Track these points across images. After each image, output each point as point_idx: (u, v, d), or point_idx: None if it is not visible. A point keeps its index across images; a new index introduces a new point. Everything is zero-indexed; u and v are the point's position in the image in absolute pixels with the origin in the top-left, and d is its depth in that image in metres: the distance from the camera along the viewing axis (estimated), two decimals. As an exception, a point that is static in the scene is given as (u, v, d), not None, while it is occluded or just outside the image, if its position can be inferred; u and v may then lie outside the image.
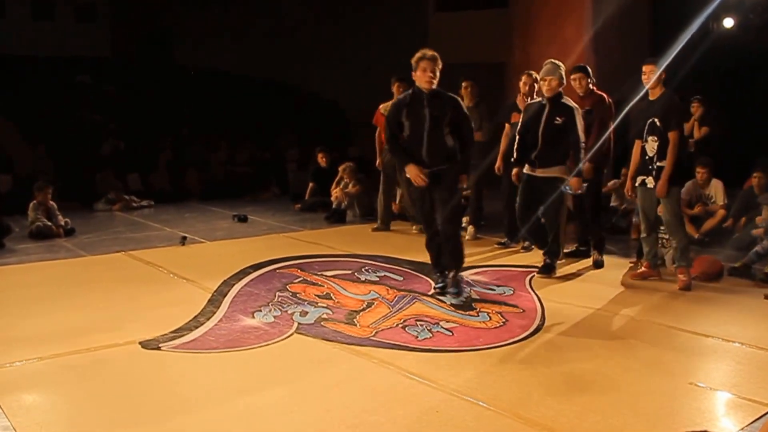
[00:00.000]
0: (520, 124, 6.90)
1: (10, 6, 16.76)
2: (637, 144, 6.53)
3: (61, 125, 13.20)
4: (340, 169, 10.82)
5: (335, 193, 10.46)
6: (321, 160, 11.50)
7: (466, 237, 8.61)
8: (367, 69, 15.25)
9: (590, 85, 7.21)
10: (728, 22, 11.31)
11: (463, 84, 8.59)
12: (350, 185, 10.42)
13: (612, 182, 9.40)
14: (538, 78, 6.82)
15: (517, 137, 6.90)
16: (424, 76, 5.80)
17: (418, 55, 5.88)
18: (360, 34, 15.51)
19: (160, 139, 14.16)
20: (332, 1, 15.97)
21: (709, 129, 10.14)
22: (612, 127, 7.17)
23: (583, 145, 6.55)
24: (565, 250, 7.48)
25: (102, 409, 3.82)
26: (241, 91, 16.40)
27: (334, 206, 10.37)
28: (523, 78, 7.93)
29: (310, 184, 11.46)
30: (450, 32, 14.18)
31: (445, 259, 6.16)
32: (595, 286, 6.44)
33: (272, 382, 4.22)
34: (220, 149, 14.42)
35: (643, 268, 6.74)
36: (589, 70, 7.29)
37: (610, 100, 7.25)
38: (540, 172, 6.65)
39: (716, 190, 8.58)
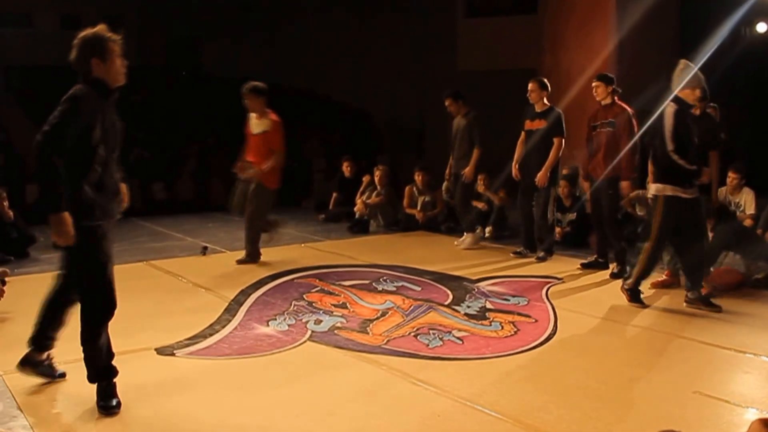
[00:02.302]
0: (677, 136, 5.77)
1: (39, 16, 17.05)
2: None
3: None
4: (365, 179, 10.86)
5: (359, 203, 10.49)
6: (346, 169, 11.52)
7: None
8: (395, 76, 15.29)
9: (611, 96, 7.17)
10: (761, 27, 11.14)
11: (446, 102, 8.64)
12: (373, 195, 10.45)
13: (634, 193, 9.28)
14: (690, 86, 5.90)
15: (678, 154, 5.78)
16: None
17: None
18: (388, 41, 15.52)
19: (186, 149, 14.30)
20: (360, 7, 16.01)
21: (727, 135, 9.89)
22: (636, 139, 7.13)
23: None
24: (583, 261, 7.46)
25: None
26: (268, 100, 16.47)
27: (357, 216, 10.40)
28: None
29: (334, 194, 11.50)
30: (479, 38, 14.17)
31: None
32: (612, 297, 6.37)
33: (280, 386, 4.28)
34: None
35: (664, 276, 6.69)
36: (612, 79, 7.23)
37: (632, 111, 7.17)
38: (692, 193, 5.89)
39: (746, 198, 8.37)
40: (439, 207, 10.14)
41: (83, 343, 3.92)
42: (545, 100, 7.94)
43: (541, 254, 8.00)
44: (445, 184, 10.55)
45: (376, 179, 10.59)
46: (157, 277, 7.26)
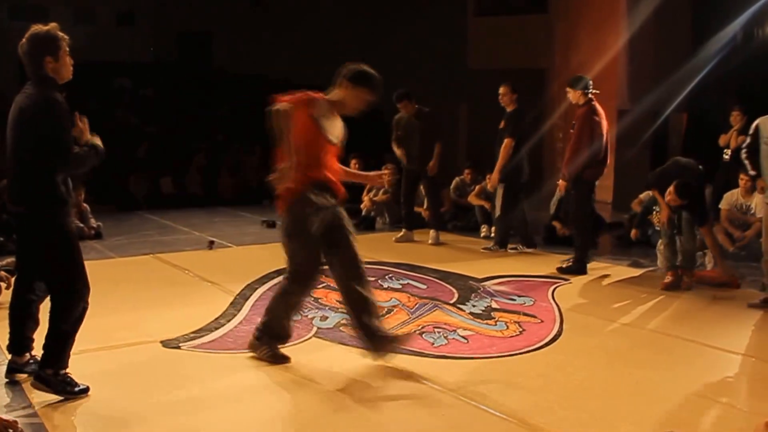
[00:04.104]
0: None
1: (51, 12, 17.13)
2: None
3: (97, 128, 13.39)
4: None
5: (366, 200, 10.48)
6: (353, 166, 11.48)
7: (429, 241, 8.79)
8: (404, 74, 15.24)
9: (583, 97, 7.13)
10: None
11: (399, 105, 8.90)
12: (380, 193, 10.44)
13: (645, 194, 9.23)
14: None
15: None
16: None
17: None
18: (398, 39, 15.49)
19: (195, 144, 14.30)
20: (370, 5, 15.99)
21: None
22: (593, 137, 7.06)
23: None
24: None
25: (123, 403, 3.96)
26: (277, 95, 16.48)
27: (363, 213, 10.39)
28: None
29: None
30: (489, 37, 14.13)
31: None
32: (621, 298, 6.38)
33: (283, 382, 4.30)
34: (255, 153, 14.49)
35: (668, 278, 6.67)
36: (580, 82, 7.17)
37: (597, 116, 7.08)
38: None
39: (757, 201, 8.32)
40: (446, 206, 10.11)
41: (62, 334, 3.99)
42: (515, 103, 7.98)
43: (491, 245, 8.22)
44: (454, 182, 10.54)
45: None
46: (163, 270, 7.28)
